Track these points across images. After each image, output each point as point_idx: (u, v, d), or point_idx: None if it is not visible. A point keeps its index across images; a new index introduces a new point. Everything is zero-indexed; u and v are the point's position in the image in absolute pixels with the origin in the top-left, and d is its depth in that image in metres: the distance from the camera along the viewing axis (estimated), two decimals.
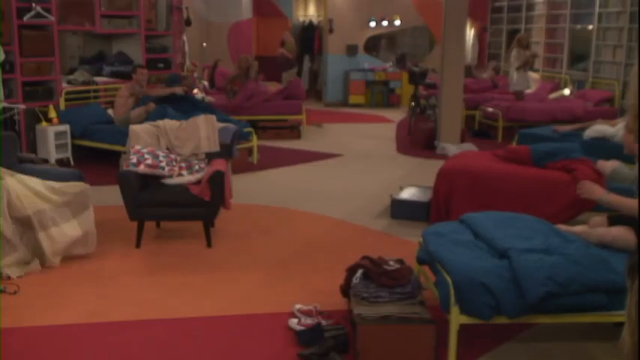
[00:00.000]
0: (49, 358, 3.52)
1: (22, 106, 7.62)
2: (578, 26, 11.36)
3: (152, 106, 7.79)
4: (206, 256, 5.11)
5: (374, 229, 5.82)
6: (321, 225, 5.92)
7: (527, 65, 10.48)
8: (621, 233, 3.69)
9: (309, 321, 3.80)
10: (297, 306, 3.98)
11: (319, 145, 9.82)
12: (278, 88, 11.18)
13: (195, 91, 10.23)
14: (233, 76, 10.87)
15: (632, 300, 1.38)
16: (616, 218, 3.84)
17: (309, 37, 15.65)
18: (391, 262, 3.87)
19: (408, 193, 6.31)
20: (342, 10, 14.69)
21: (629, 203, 3.65)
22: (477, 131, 10.68)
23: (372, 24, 14.83)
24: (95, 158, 8.08)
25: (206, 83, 11.58)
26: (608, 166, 5.28)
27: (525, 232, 3.75)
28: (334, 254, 5.05)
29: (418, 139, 9.73)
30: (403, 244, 5.24)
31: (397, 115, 12.96)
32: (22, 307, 4.11)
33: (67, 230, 4.79)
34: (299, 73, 15.10)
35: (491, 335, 3.76)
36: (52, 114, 7.91)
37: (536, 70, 11.69)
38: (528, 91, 10.82)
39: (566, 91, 10.96)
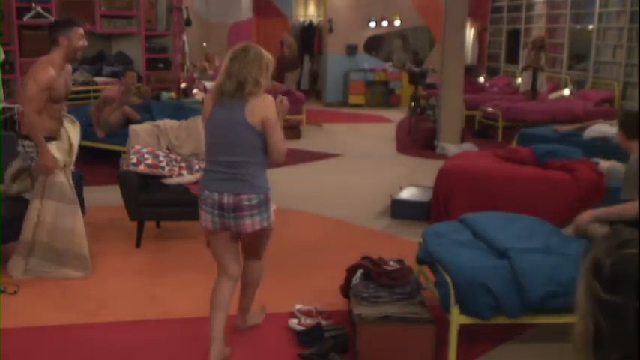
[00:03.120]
0: (49, 358, 3.52)
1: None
2: (578, 26, 11.35)
3: (130, 110, 7.67)
4: (206, 256, 5.08)
5: (374, 229, 5.82)
6: (321, 225, 5.91)
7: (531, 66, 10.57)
8: None
9: (309, 321, 3.80)
10: (297, 306, 3.98)
11: (319, 145, 9.82)
12: (281, 87, 11.14)
13: (195, 91, 10.22)
14: None
15: (580, 286, 1.35)
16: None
17: (309, 38, 15.64)
18: (391, 262, 3.87)
19: (408, 193, 6.31)
20: (342, 10, 14.68)
21: (627, 208, 3.58)
22: (477, 131, 10.68)
23: (372, 24, 14.82)
24: (95, 158, 8.08)
25: (207, 84, 11.53)
26: (605, 166, 5.29)
27: (525, 232, 3.75)
28: (334, 254, 5.04)
29: (418, 139, 9.73)
30: (403, 244, 5.23)
31: (397, 115, 12.94)
32: (22, 307, 4.11)
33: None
34: (299, 74, 15.09)
35: (491, 335, 3.76)
36: None
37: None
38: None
39: (566, 91, 10.96)
